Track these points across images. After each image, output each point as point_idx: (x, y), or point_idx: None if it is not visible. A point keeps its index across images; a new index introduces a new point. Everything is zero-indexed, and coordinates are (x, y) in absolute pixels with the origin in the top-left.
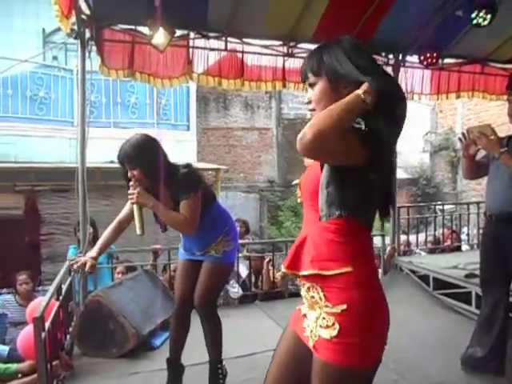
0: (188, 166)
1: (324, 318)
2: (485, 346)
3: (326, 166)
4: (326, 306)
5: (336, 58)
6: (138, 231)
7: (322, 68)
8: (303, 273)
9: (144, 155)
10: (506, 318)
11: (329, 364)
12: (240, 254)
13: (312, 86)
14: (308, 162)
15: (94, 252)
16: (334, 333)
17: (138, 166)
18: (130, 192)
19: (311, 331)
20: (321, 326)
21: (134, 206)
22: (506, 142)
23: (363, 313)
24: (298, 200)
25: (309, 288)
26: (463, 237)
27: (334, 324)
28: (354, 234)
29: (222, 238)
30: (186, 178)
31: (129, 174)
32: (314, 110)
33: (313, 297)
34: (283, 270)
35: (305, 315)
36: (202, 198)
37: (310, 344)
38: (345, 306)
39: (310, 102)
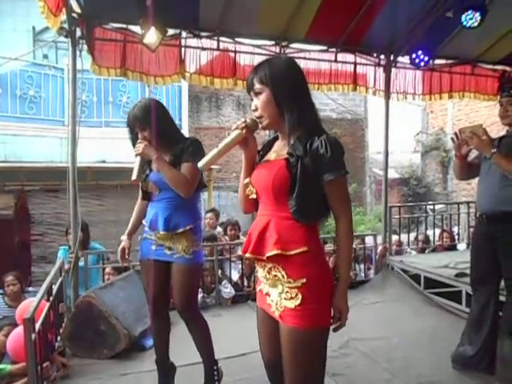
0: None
1: (287, 292)
2: (475, 345)
3: (300, 182)
4: (288, 282)
5: (281, 81)
6: (134, 177)
7: (268, 79)
8: (268, 254)
9: (157, 116)
10: (496, 317)
11: (295, 328)
12: (233, 255)
13: (258, 94)
14: None
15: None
16: (298, 302)
17: (148, 126)
18: (137, 144)
19: (276, 304)
20: (285, 298)
21: (138, 158)
22: (497, 142)
23: (319, 283)
24: (254, 196)
25: (270, 269)
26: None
27: (296, 295)
28: None
29: (190, 232)
30: (195, 143)
31: (139, 136)
32: (261, 116)
33: (275, 275)
34: (247, 255)
35: (267, 293)
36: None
37: (276, 315)
38: (304, 280)
39: (256, 110)
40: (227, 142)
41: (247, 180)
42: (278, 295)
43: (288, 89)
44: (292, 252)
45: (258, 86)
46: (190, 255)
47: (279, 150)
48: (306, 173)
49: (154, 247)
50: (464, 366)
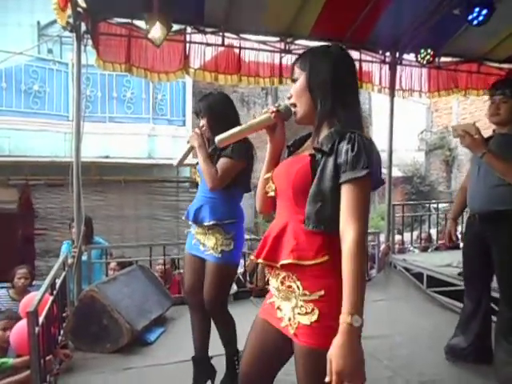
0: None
1: (302, 306)
2: (468, 337)
3: (316, 183)
4: (304, 295)
5: (321, 68)
6: (174, 163)
7: (306, 64)
8: (282, 262)
9: (214, 106)
10: (488, 311)
11: (312, 349)
12: None
13: (295, 81)
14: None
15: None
16: (314, 318)
17: (204, 115)
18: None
19: (289, 319)
20: (299, 313)
21: (188, 146)
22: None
23: (338, 296)
24: (272, 193)
25: (284, 278)
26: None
27: (313, 310)
28: None
29: (220, 230)
30: (240, 145)
31: (200, 123)
32: (294, 104)
33: (289, 286)
34: (260, 260)
35: (279, 307)
36: (240, 174)
37: (291, 332)
38: (322, 292)
39: (291, 97)
40: (252, 122)
41: (268, 175)
42: (291, 310)
43: (325, 76)
44: (309, 262)
45: (297, 70)
46: (219, 254)
47: (308, 145)
48: (325, 172)
49: (193, 241)
50: (457, 358)
